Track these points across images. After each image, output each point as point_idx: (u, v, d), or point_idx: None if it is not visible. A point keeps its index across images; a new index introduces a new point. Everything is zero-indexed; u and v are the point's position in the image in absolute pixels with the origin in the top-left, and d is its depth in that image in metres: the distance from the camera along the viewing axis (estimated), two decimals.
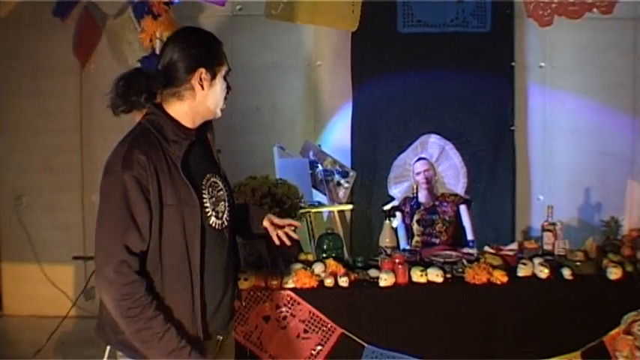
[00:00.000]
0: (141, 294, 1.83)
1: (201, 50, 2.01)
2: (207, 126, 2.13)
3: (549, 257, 3.48)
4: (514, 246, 3.62)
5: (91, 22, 4.65)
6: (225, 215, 2.08)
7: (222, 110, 2.09)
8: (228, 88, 2.09)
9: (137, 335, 1.86)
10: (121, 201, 1.84)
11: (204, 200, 1.99)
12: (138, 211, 1.85)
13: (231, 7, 5.32)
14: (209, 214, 2.00)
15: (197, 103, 2.01)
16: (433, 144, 4.52)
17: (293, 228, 2.42)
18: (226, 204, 2.10)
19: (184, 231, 1.92)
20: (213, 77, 2.02)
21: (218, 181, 2.10)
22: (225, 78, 2.07)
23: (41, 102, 5.46)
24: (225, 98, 2.09)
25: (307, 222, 4.59)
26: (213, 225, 2.02)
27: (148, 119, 2.00)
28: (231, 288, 2.14)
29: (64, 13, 4.75)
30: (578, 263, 3.31)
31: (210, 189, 2.04)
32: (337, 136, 5.40)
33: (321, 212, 5.03)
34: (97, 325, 2.06)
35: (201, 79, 1.99)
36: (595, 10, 3.90)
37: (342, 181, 5.06)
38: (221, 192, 2.09)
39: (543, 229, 3.66)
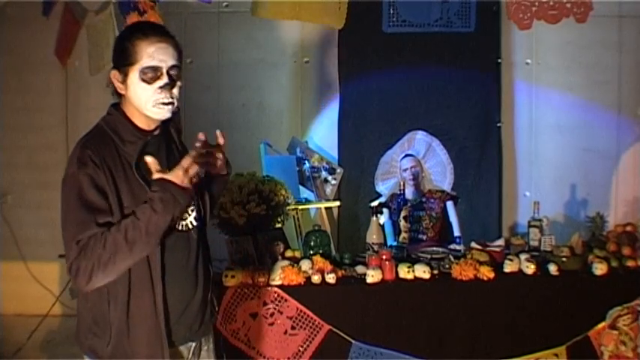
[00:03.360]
0: (94, 240, 1.78)
1: (114, 52, 1.95)
2: (168, 124, 2.06)
3: (535, 253, 3.51)
4: (500, 242, 3.63)
5: (71, 18, 4.61)
6: (190, 217, 2.03)
7: (168, 104, 1.92)
8: (171, 80, 1.92)
9: (142, 238, 1.80)
10: (77, 200, 1.80)
11: None
12: (96, 208, 1.80)
13: (218, 4, 5.30)
14: None
15: (129, 102, 1.95)
16: (420, 140, 4.53)
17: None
18: (193, 206, 2.05)
19: None
20: (125, 77, 1.91)
21: None
22: (142, 75, 1.89)
23: (26, 99, 5.41)
24: (172, 93, 1.93)
25: (294, 219, 4.58)
26: (176, 227, 1.97)
27: (104, 119, 1.96)
28: (200, 292, 2.08)
29: (48, 10, 4.72)
30: (564, 259, 3.33)
31: None
32: (324, 133, 5.38)
33: (308, 209, 5.02)
34: (75, 330, 2.03)
35: (118, 81, 1.93)
36: (571, 16, 3.99)
37: (329, 178, 5.06)
38: None
39: (529, 225, 3.69)
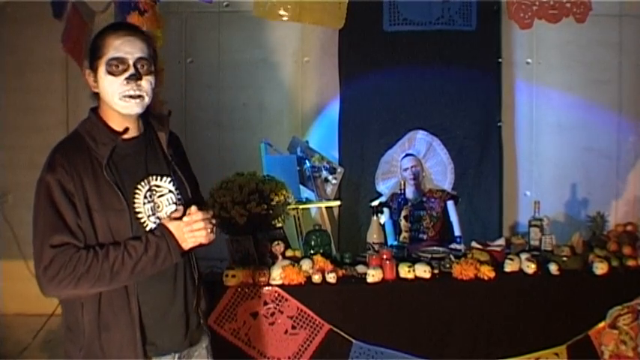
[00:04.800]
0: (78, 257, 1.79)
1: (88, 53, 1.95)
2: (149, 127, 2.04)
3: (536, 252, 3.51)
4: (501, 241, 3.63)
5: (79, 19, 4.60)
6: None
7: (135, 97, 1.89)
8: (138, 72, 1.89)
9: (126, 275, 1.83)
10: (47, 203, 1.81)
11: (136, 205, 1.90)
12: (65, 212, 1.80)
13: (218, 4, 5.30)
14: (142, 219, 1.91)
15: (102, 101, 1.94)
16: (420, 140, 4.53)
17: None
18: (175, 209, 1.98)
19: (113, 238, 1.85)
20: (96, 72, 1.91)
21: (163, 185, 1.99)
22: (107, 67, 1.88)
23: (27, 98, 5.41)
24: (140, 86, 1.90)
25: (295, 218, 4.58)
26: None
27: (81, 123, 1.98)
28: (180, 300, 2.00)
29: (60, 12, 4.70)
30: (564, 258, 3.33)
31: (149, 193, 1.94)
32: (325, 133, 5.39)
33: (308, 209, 5.02)
34: None
35: (90, 79, 1.93)
36: (571, 16, 4.03)
37: (330, 178, 5.06)
38: (163, 197, 1.97)
39: (530, 225, 3.69)
